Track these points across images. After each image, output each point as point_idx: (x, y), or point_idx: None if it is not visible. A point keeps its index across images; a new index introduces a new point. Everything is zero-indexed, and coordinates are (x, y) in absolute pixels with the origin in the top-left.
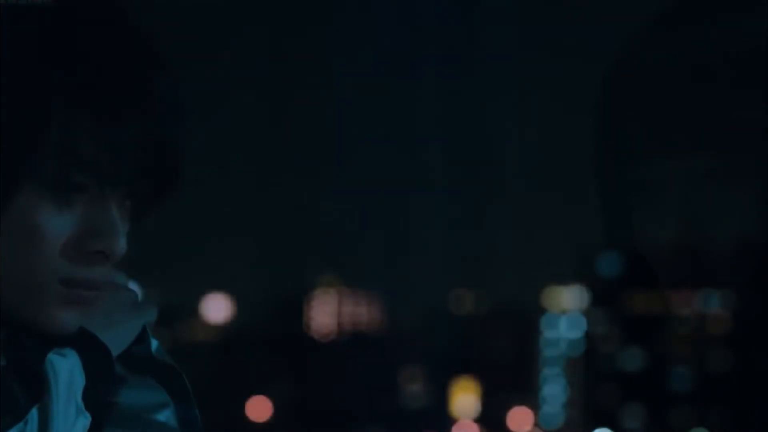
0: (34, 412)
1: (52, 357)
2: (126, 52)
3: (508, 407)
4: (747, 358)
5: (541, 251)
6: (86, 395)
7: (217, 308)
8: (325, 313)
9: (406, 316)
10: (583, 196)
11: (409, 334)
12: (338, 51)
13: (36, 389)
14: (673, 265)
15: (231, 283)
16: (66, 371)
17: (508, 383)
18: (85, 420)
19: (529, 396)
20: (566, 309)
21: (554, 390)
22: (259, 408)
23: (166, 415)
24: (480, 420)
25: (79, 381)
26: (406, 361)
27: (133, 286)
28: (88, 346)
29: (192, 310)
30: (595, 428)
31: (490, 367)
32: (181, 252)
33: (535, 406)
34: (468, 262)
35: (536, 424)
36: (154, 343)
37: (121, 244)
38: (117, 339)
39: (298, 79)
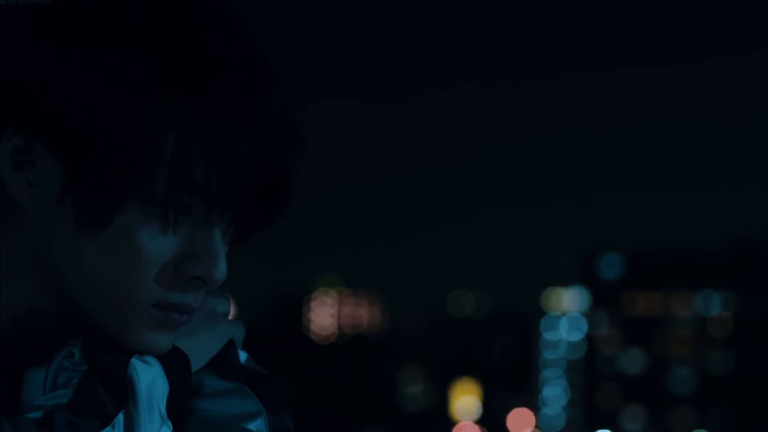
0: (120, 418)
1: (136, 363)
2: (244, 69)
3: (509, 409)
4: (747, 360)
5: (541, 252)
6: (168, 404)
7: None
8: (325, 313)
9: (406, 316)
10: (583, 196)
11: (409, 335)
12: None
13: (121, 394)
14: (673, 267)
15: (231, 283)
16: (149, 378)
17: (508, 385)
18: (168, 429)
19: (530, 397)
20: (566, 310)
21: (554, 391)
22: None
23: (257, 425)
24: (480, 421)
25: (163, 389)
26: (407, 363)
27: (221, 298)
28: (169, 355)
29: None
30: (595, 430)
31: (490, 368)
32: None
33: (535, 408)
34: (468, 262)
35: (536, 426)
36: (243, 355)
37: (221, 270)
38: (200, 349)
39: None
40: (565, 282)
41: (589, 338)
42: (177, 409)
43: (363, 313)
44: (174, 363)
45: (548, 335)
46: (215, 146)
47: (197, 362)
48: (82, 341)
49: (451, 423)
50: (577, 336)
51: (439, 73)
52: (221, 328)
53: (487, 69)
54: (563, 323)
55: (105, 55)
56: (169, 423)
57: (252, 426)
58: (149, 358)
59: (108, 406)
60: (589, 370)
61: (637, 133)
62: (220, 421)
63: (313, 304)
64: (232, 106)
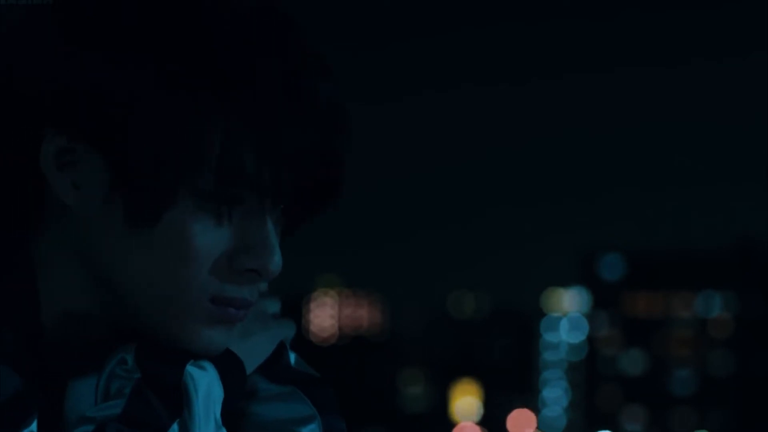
0: (175, 427)
1: (192, 369)
2: (292, 61)
3: (509, 410)
4: (748, 361)
5: (541, 252)
6: (222, 409)
7: None
8: (325, 314)
9: (406, 317)
10: (583, 196)
11: (409, 335)
12: None
13: (176, 402)
14: (674, 267)
15: None
16: (205, 384)
17: (508, 386)
18: None
19: (530, 398)
20: (567, 311)
21: (555, 392)
22: None
23: (311, 429)
24: (481, 422)
25: (218, 394)
26: (407, 363)
27: (272, 299)
28: (223, 359)
29: None
30: (596, 431)
31: (490, 369)
32: None
33: (535, 409)
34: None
35: (537, 427)
36: (293, 356)
37: (276, 262)
38: (253, 352)
39: None
40: (565, 282)
41: (590, 339)
42: (230, 413)
43: (363, 314)
44: (229, 367)
45: (548, 336)
46: (264, 136)
47: (250, 365)
48: (136, 347)
49: (451, 424)
50: (577, 337)
51: (439, 73)
52: (273, 329)
53: (487, 69)
54: (563, 324)
55: (146, 51)
56: (224, 429)
57: (306, 430)
58: (205, 363)
59: (162, 416)
60: (589, 370)
61: (637, 133)
62: (275, 426)
63: (312, 305)
64: (280, 94)
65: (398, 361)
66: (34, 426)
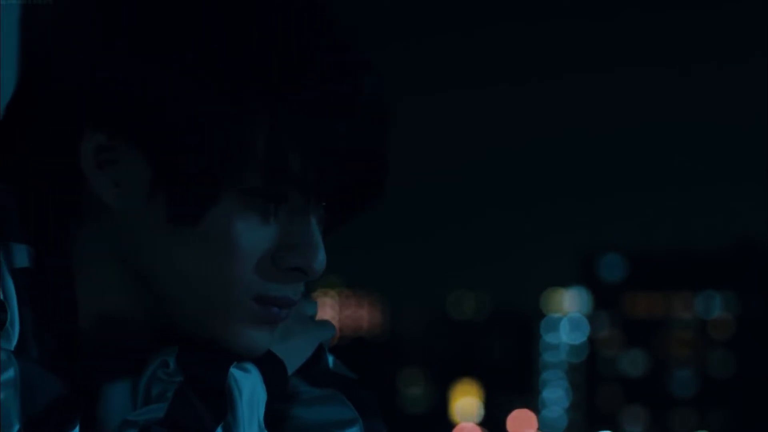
0: (219, 431)
1: (235, 372)
2: (335, 56)
3: (509, 410)
4: (749, 361)
5: (541, 253)
6: (264, 412)
7: None
8: (326, 315)
9: (406, 317)
10: (584, 196)
11: (409, 336)
12: None
13: (219, 406)
14: (674, 267)
15: None
16: (249, 387)
17: (509, 386)
18: None
19: (531, 399)
20: (567, 311)
21: (555, 393)
22: None
23: None
24: (481, 423)
25: (261, 397)
26: (407, 364)
27: (310, 300)
28: (265, 361)
29: None
30: (597, 431)
31: (491, 369)
32: None
33: (536, 410)
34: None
35: (538, 428)
36: (331, 358)
37: (320, 260)
38: (294, 354)
39: None
40: (565, 283)
41: (590, 339)
42: (272, 416)
43: (363, 314)
44: (271, 369)
45: (549, 336)
46: (310, 132)
47: (290, 367)
48: (178, 349)
49: (451, 424)
50: (577, 337)
51: (439, 74)
52: (312, 331)
53: (487, 70)
54: (564, 324)
55: (189, 47)
56: None
57: None
58: (248, 365)
59: (206, 419)
60: (589, 371)
61: (637, 133)
62: (316, 429)
63: None
64: (324, 92)
65: (398, 361)
66: (76, 431)
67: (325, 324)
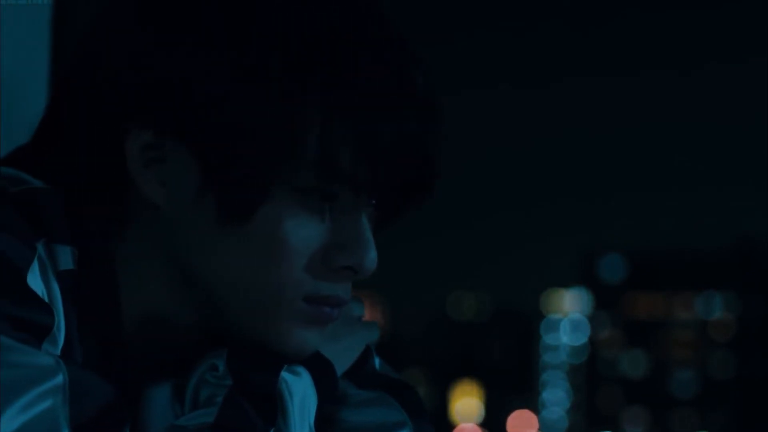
0: None
1: (287, 376)
2: (387, 52)
3: (510, 411)
4: (749, 362)
5: (541, 253)
6: (316, 416)
7: None
8: None
9: (406, 318)
10: (584, 197)
11: (409, 336)
12: None
13: (271, 411)
14: (675, 268)
15: None
16: (300, 391)
17: (509, 387)
18: None
19: (531, 400)
20: (567, 312)
21: (556, 394)
22: None
23: None
24: (481, 424)
25: (312, 402)
26: (407, 364)
27: (356, 301)
28: (315, 363)
29: None
30: None
31: (491, 370)
32: None
33: (536, 411)
34: (469, 263)
35: (539, 429)
36: (377, 360)
37: (372, 259)
38: (342, 355)
39: None
40: (565, 283)
41: (590, 340)
42: (321, 420)
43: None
44: (321, 372)
45: (549, 337)
46: (363, 129)
47: (339, 369)
48: (228, 352)
49: (451, 425)
50: (577, 338)
51: (439, 75)
52: (360, 332)
53: (487, 70)
54: (564, 325)
55: (241, 42)
56: None
57: None
58: (299, 369)
59: (257, 424)
60: (590, 372)
61: (638, 133)
62: None
63: None
64: (376, 88)
65: (398, 362)
66: None
67: (371, 325)
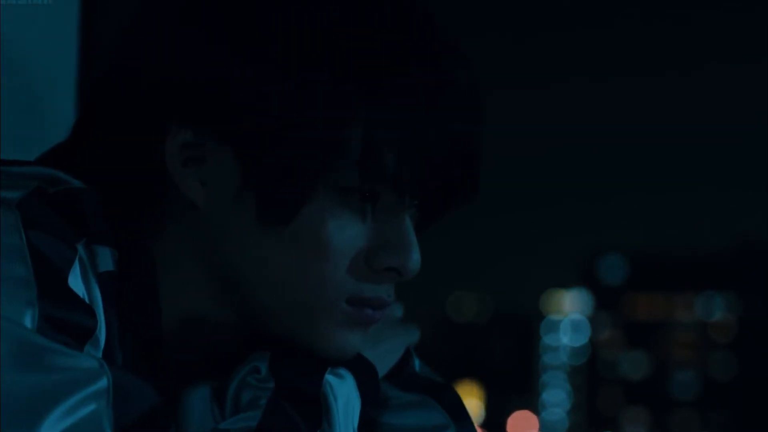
0: None
1: (331, 379)
2: (432, 50)
3: (511, 412)
4: (750, 363)
5: (542, 254)
6: (359, 419)
7: None
8: None
9: (406, 319)
10: (585, 198)
11: None
12: None
13: (315, 414)
14: (675, 269)
15: None
16: (344, 394)
17: (510, 388)
18: None
19: (532, 401)
20: (568, 313)
21: (556, 395)
22: None
23: None
24: (482, 425)
25: (356, 405)
26: None
27: (397, 303)
28: (358, 366)
29: None
30: None
31: (492, 371)
32: None
33: (537, 412)
34: (469, 264)
35: (539, 430)
36: (417, 362)
37: (415, 260)
38: (384, 358)
39: None
40: (566, 284)
41: (591, 341)
42: (363, 423)
43: None
44: (364, 375)
45: (549, 338)
46: (407, 127)
47: (380, 372)
48: (270, 355)
49: None
50: (578, 339)
51: None
52: (400, 334)
53: (487, 71)
54: (564, 326)
55: (283, 39)
56: None
57: None
58: (342, 371)
59: (301, 428)
60: (590, 373)
61: (638, 134)
62: None
63: None
64: (420, 87)
65: None
66: None
67: (411, 327)
